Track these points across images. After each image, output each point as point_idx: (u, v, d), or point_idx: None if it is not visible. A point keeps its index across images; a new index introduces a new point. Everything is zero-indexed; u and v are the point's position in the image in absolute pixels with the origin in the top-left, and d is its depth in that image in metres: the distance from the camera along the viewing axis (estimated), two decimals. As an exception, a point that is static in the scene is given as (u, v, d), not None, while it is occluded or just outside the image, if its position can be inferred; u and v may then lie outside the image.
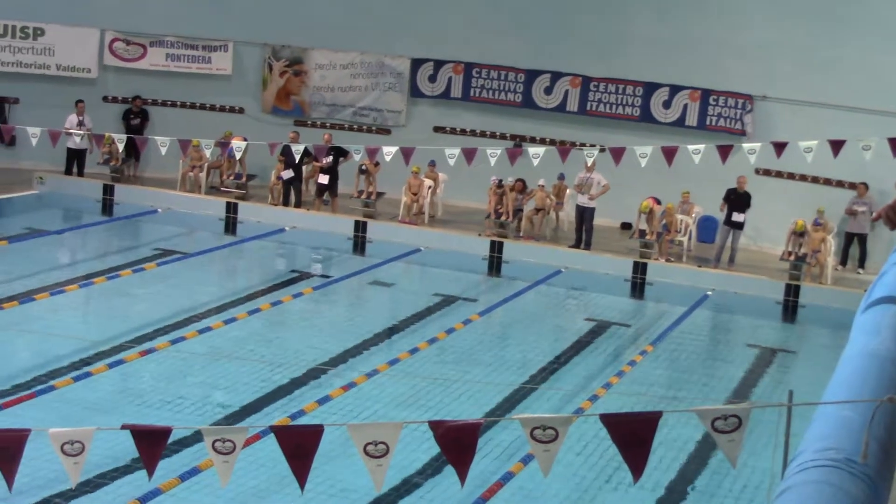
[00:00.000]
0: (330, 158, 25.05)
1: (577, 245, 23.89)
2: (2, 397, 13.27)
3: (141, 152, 25.89)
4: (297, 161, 24.91)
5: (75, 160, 26.27)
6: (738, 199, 23.48)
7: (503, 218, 24.35)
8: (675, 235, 23.90)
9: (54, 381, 13.98)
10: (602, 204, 24.49)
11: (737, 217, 23.35)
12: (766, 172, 24.87)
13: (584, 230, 23.98)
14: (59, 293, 17.95)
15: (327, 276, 20.77)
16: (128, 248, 21.62)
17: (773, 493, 2.44)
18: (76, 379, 14.12)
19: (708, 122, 25.84)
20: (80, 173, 26.34)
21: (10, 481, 7.05)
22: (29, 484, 10.60)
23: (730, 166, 19.81)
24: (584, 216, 24.05)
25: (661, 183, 23.84)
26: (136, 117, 27.71)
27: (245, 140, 23.43)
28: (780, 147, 18.18)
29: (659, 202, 23.80)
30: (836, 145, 17.17)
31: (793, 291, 21.72)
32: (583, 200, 24.03)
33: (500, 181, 24.38)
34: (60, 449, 6.86)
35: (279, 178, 25.56)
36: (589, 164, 23.36)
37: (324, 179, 25.23)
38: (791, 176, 24.86)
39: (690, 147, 18.88)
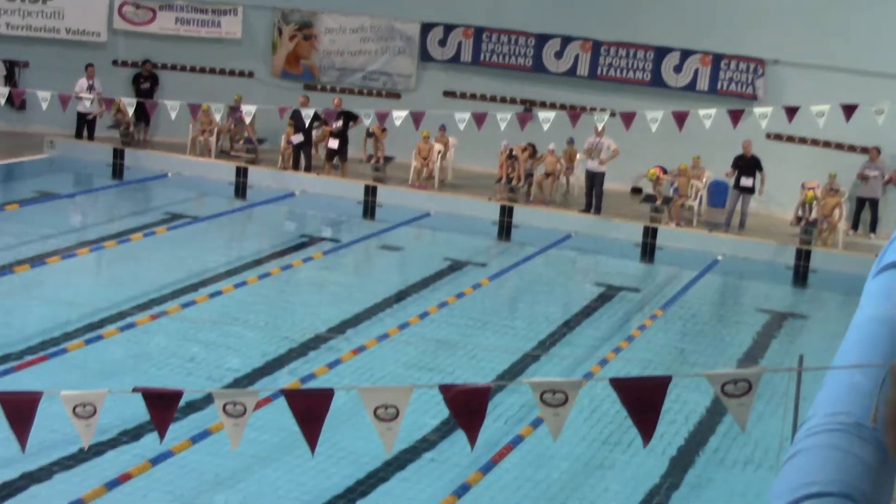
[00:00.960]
0: (340, 123, 25.01)
1: (587, 210, 23.84)
2: (14, 360, 13.33)
3: (151, 116, 25.85)
4: (307, 125, 24.87)
5: (86, 124, 26.25)
6: (746, 164, 23.40)
7: (514, 182, 24.31)
8: (685, 200, 23.84)
9: (66, 345, 14.03)
10: (612, 168, 24.41)
11: (745, 182, 23.27)
12: (778, 137, 24.76)
13: (594, 195, 23.92)
14: (70, 257, 18.00)
15: (337, 241, 20.78)
16: (138, 212, 21.65)
17: (783, 457, 2.44)
18: (88, 342, 14.18)
19: (719, 87, 25.71)
20: (91, 137, 26.32)
21: (23, 443, 7.09)
22: (41, 445, 10.66)
23: (741, 131, 19.77)
24: (595, 181, 23.99)
25: (671, 148, 23.76)
26: (145, 81, 27.66)
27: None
28: (791, 111, 18.11)
29: (665, 171, 23.74)
30: (849, 110, 17.10)
31: (804, 256, 21.69)
32: (592, 165, 23.97)
33: (511, 150, 24.32)
34: (73, 411, 6.90)
35: (289, 142, 25.53)
36: (599, 129, 23.28)
37: (334, 144, 25.18)
38: (803, 140, 24.75)
39: (701, 112, 18.81)
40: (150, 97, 26.11)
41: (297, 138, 25.32)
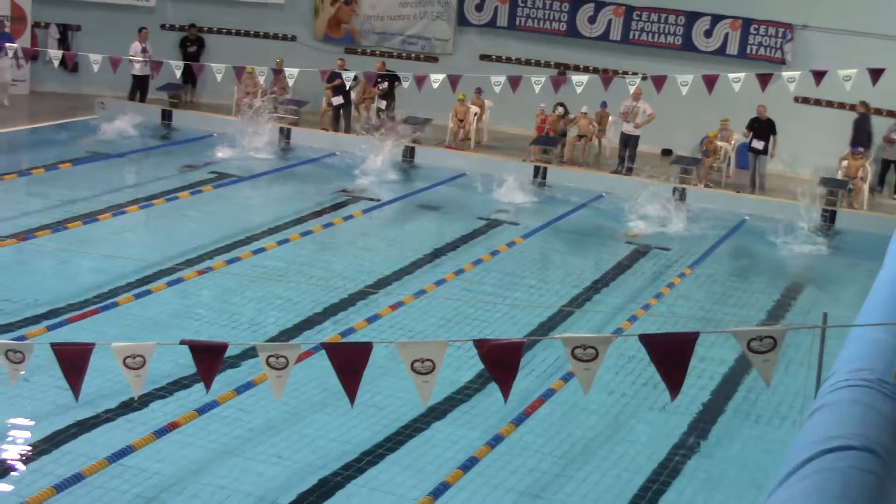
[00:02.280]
0: (385, 84, 25.04)
1: (619, 170, 23.74)
2: (67, 313, 13.46)
3: (197, 79, 25.90)
4: (347, 88, 24.88)
5: (139, 86, 26.36)
6: (760, 127, 23.30)
7: (551, 134, 24.41)
8: (714, 161, 23.70)
9: (117, 298, 14.14)
10: (643, 130, 24.30)
11: (756, 144, 23.16)
12: (805, 100, 24.55)
13: (627, 157, 23.82)
14: (120, 214, 18.11)
15: (376, 200, 20.79)
16: (185, 171, 21.73)
17: (807, 412, 2.44)
18: (137, 296, 14.29)
19: (748, 51, 25.48)
20: (143, 99, 26.43)
21: (76, 392, 7.18)
22: (94, 394, 10.78)
23: (769, 94, 19.59)
24: (629, 144, 23.89)
25: (701, 111, 23.61)
26: (192, 45, 27.70)
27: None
28: (819, 75, 17.93)
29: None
30: (876, 73, 16.91)
31: (829, 216, 21.54)
32: (628, 128, 23.86)
33: (545, 117, 24.33)
34: (123, 362, 6.96)
35: (329, 104, 25.55)
36: (634, 93, 23.17)
37: (381, 104, 25.28)
38: (829, 104, 24.52)
39: (731, 75, 18.65)
40: (196, 60, 26.15)
41: (338, 100, 25.35)
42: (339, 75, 24.50)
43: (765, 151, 23.22)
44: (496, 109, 25.53)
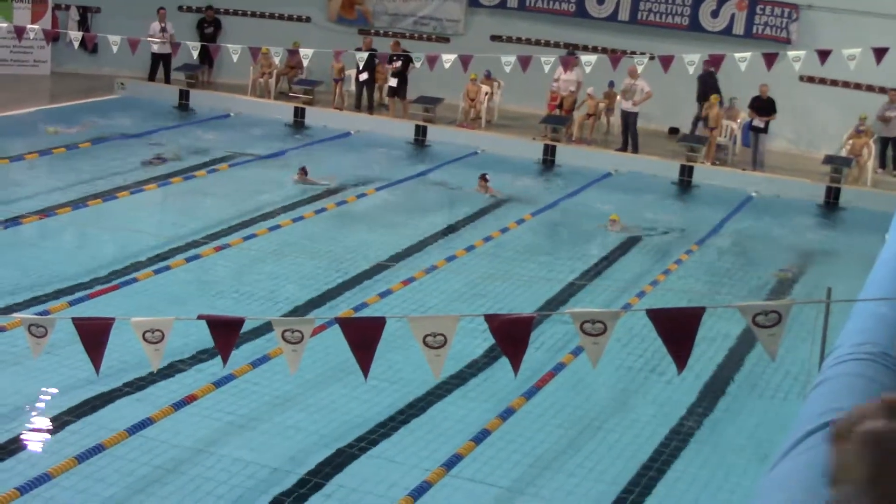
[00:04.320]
0: (399, 63, 24.99)
1: (623, 148, 23.70)
2: (88, 288, 13.49)
3: (214, 59, 25.88)
4: (372, 66, 24.93)
5: (160, 65, 26.33)
6: (761, 106, 23.21)
7: (562, 113, 24.39)
8: (716, 136, 23.64)
9: (136, 274, 14.18)
10: (651, 109, 24.23)
11: (757, 123, 23.10)
12: (810, 79, 24.42)
13: (629, 134, 23.78)
14: (138, 192, 18.13)
15: (389, 178, 20.78)
16: (202, 150, 21.73)
17: (811, 385, 2.43)
18: (156, 272, 14.32)
19: (754, 31, 25.34)
20: (167, 78, 26.41)
21: (97, 366, 7.20)
22: (114, 368, 10.82)
23: (775, 73, 19.50)
24: (628, 121, 23.85)
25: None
26: (209, 26, 27.66)
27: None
28: (823, 55, 17.83)
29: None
30: (880, 53, 16.81)
31: (833, 194, 21.47)
32: (626, 106, 23.80)
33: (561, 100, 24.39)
34: (142, 337, 6.98)
35: (357, 80, 25.59)
36: (630, 71, 23.11)
37: (393, 82, 25.22)
38: (834, 83, 24.39)
39: (737, 55, 18.56)
40: (213, 41, 26.11)
41: (364, 76, 25.38)
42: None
43: (766, 130, 23.15)
44: (506, 89, 25.47)
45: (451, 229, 17.98)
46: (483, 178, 19.94)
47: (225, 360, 7.15)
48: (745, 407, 12.01)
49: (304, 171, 19.63)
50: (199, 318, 6.98)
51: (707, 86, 23.97)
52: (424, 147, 23.83)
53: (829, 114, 24.10)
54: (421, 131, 24.01)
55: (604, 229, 18.24)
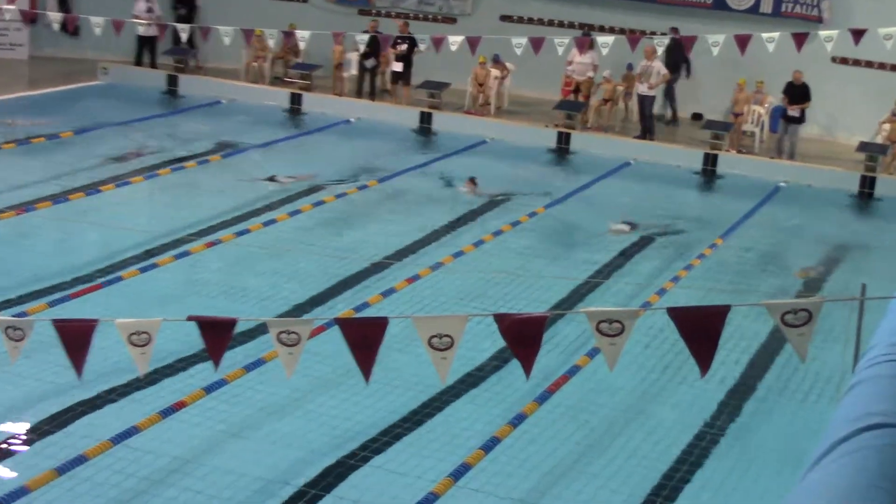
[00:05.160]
0: (405, 46, 24.96)
1: (642, 136, 23.69)
2: (70, 287, 13.50)
3: (194, 42, 25.85)
4: (374, 50, 24.91)
5: (146, 48, 26.33)
6: (795, 93, 23.13)
7: (578, 98, 24.38)
8: (743, 122, 23.60)
9: (121, 273, 14.17)
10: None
11: (792, 112, 22.99)
12: (843, 61, 24.38)
13: (646, 118, 23.78)
14: (124, 185, 18.13)
15: (392, 169, 20.76)
16: (192, 140, 21.74)
17: (844, 388, 2.41)
18: (142, 270, 14.32)
19: (783, 9, 25.28)
20: (153, 62, 26.42)
21: (79, 371, 7.19)
22: (98, 373, 10.81)
23: (805, 55, 19.44)
24: (644, 105, 23.84)
25: (733, 73, 23.49)
26: (182, 6, 27.58)
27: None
28: (858, 34, 17.77)
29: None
30: (918, 32, 16.77)
31: (868, 183, 21.42)
32: (642, 89, 23.80)
33: (578, 85, 24.39)
34: (128, 339, 6.97)
35: (362, 65, 25.58)
36: (646, 51, 23.10)
37: (398, 67, 25.20)
38: (869, 64, 24.35)
39: (765, 35, 18.52)
40: (189, 22, 25.95)
41: (371, 62, 25.39)
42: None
43: (801, 119, 23.09)
44: (517, 73, 25.45)
45: (458, 223, 17.96)
46: (471, 181, 19.69)
47: (216, 363, 7.13)
48: (773, 411, 11.98)
49: (273, 179, 19.32)
50: (189, 319, 6.97)
51: (675, 57, 24.02)
52: (430, 135, 23.81)
53: (863, 98, 24.04)
54: (426, 118, 24.00)
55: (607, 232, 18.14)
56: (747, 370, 12.96)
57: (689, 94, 25.24)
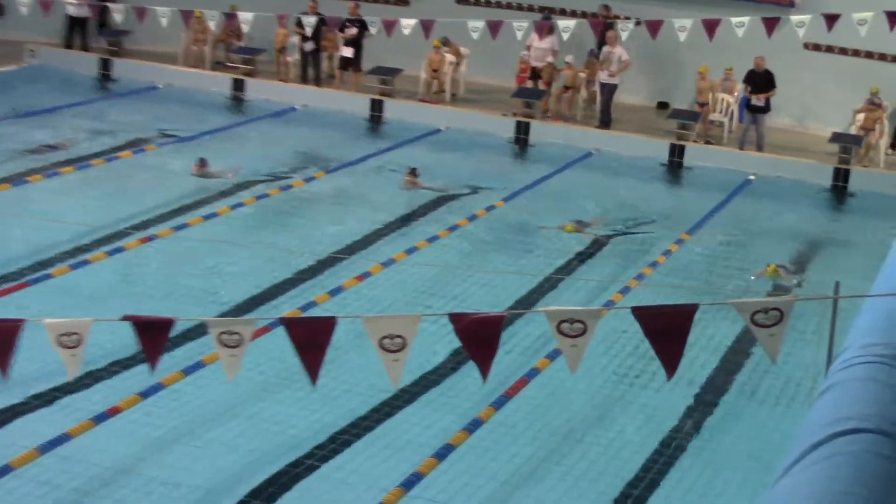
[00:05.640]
0: (354, 30, 24.85)
1: (603, 125, 23.78)
2: (-5, 286, 13.38)
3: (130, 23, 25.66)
4: (316, 33, 24.79)
5: (76, 29, 26.09)
6: (758, 81, 23.19)
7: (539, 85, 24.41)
8: (708, 110, 23.72)
9: (50, 269, 14.07)
10: (637, 82, 24.30)
11: (756, 101, 23.04)
12: (816, 47, 24.55)
13: (601, 106, 23.87)
14: (53, 175, 17.99)
15: (341, 159, 20.72)
16: (127, 128, 21.58)
17: (817, 391, 2.43)
18: (73, 267, 14.22)
19: (753, -8, 25.42)
20: (85, 45, 26.20)
21: (3, 373, 7.13)
22: (25, 376, 10.72)
23: (776, 41, 19.57)
24: (603, 93, 23.92)
25: (700, 59, 23.61)
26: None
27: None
28: (831, 19, 17.92)
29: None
30: (893, 17, 16.90)
31: (842, 176, 21.58)
32: (603, 77, 23.88)
33: (536, 69, 24.41)
34: (57, 340, 6.91)
35: (301, 50, 25.46)
36: (612, 38, 23.19)
37: (347, 52, 25.08)
38: (843, 51, 24.55)
39: (734, 20, 18.63)
40: (123, 2, 25.69)
41: (309, 46, 25.27)
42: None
43: (766, 109, 23.18)
44: (473, 58, 25.45)
45: (411, 217, 17.96)
46: (412, 172, 19.57)
47: (153, 366, 7.09)
48: (743, 416, 12.07)
49: (202, 163, 19.13)
50: (124, 318, 6.93)
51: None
52: (381, 124, 23.77)
53: (837, 86, 24.24)
54: (377, 106, 23.96)
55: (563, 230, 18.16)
56: (716, 373, 13.04)
57: (655, 83, 25.34)
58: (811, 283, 16.40)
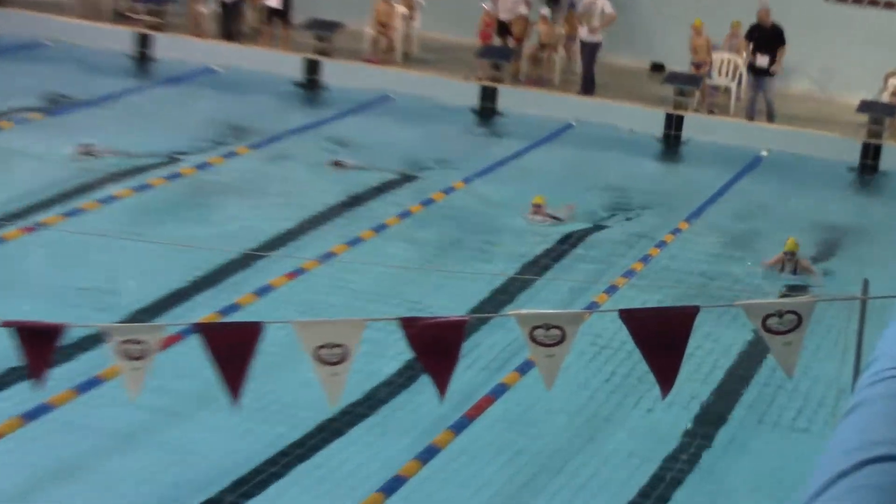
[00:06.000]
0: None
1: (584, 91, 23.81)
2: None
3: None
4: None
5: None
6: (763, 37, 23.17)
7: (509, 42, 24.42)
8: (704, 72, 23.78)
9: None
10: (626, 40, 24.34)
11: (760, 60, 22.98)
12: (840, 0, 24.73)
13: (583, 69, 23.91)
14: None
15: (269, 132, 20.68)
16: (7, 93, 21.45)
17: (842, 410, 2.44)
18: (-58, 262, 14.15)
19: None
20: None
21: None
22: None
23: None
24: (585, 53, 23.95)
25: (703, 13, 23.67)
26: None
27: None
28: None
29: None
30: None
31: (872, 152, 21.67)
32: (583, 33, 23.88)
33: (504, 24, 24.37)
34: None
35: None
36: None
37: (273, 1, 24.95)
38: (873, 2, 24.69)
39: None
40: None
41: None
42: None
43: (769, 69, 23.17)
44: (429, 10, 25.46)
45: (354, 203, 17.93)
46: (337, 163, 19.37)
47: (39, 381, 7.06)
48: (753, 440, 12.13)
49: (86, 149, 18.91)
50: (4, 325, 6.90)
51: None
52: (317, 90, 23.73)
53: (865, 45, 24.36)
54: (312, 68, 23.91)
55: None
56: (720, 389, 13.10)
57: (647, 40, 25.38)
58: (835, 281, 16.49)
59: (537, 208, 17.55)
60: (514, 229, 17.63)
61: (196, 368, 10.29)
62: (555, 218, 17.48)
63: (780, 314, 5.94)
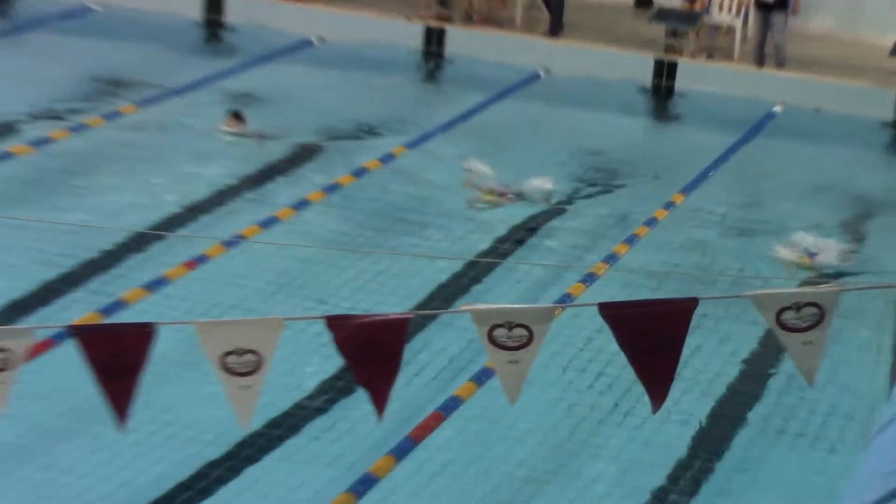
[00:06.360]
0: None
1: (553, 32, 23.88)
2: None
3: None
4: None
5: None
6: None
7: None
8: (700, 5, 23.90)
9: None
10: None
11: None
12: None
13: (550, 6, 23.97)
14: None
15: (160, 85, 20.64)
16: None
17: (875, 426, 2.47)
18: None
19: None
20: None
21: None
22: None
23: None
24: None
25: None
26: None
27: None
28: None
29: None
30: None
31: (908, 107, 21.85)
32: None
33: None
34: None
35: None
36: None
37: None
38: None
39: None
40: None
41: None
42: None
43: (781, 5, 23.22)
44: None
45: (267, 175, 17.93)
46: (235, 115, 19.34)
47: None
48: (765, 465, 12.21)
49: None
50: None
51: None
52: (221, 31, 23.70)
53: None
54: (214, 5, 23.88)
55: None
56: (725, 400, 13.16)
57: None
58: (865, 267, 16.58)
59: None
60: (468, 204, 17.65)
61: (72, 382, 10.28)
62: (508, 196, 17.47)
63: (797, 307, 5.96)
